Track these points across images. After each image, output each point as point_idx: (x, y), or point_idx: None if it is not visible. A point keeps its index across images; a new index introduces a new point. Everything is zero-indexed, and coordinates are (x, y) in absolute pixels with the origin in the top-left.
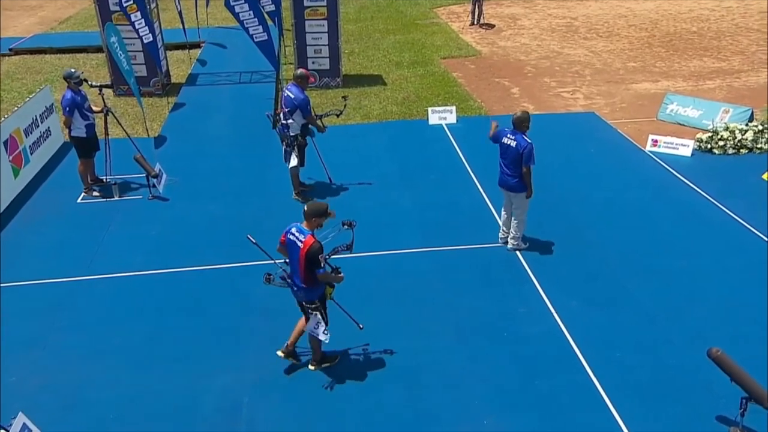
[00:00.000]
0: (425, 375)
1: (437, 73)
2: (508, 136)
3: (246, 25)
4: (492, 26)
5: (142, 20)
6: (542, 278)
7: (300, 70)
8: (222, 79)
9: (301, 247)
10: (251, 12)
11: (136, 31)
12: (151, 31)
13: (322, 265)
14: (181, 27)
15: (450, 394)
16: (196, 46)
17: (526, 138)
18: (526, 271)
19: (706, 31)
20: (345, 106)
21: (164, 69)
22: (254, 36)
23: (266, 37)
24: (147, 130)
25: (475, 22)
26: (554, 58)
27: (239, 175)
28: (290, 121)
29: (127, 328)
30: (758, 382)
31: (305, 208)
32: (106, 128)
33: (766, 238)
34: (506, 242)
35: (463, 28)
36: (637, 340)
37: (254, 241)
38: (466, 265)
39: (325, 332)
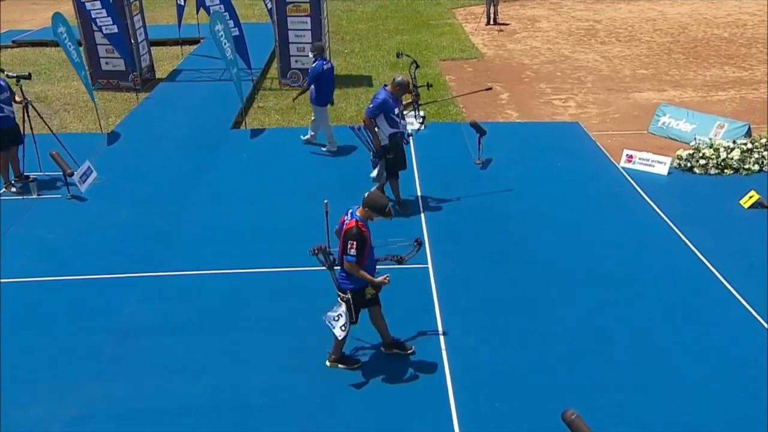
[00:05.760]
0: (272, 416)
1: (430, 75)
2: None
3: None
4: (507, 25)
5: (103, 11)
6: (447, 307)
7: (400, 77)
8: (203, 76)
9: (344, 228)
10: (221, 6)
11: (93, 21)
12: (116, 22)
13: (349, 251)
14: (186, 23)
15: None
16: (195, 42)
17: None
18: (432, 298)
19: (738, 38)
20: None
21: (145, 64)
22: None
23: (237, 33)
24: (101, 126)
25: (490, 23)
26: (560, 63)
27: (175, 177)
28: (377, 128)
29: None
30: None
31: (365, 194)
32: (25, 121)
33: (717, 273)
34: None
35: (476, 30)
36: (528, 388)
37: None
38: None
39: (343, 328)
